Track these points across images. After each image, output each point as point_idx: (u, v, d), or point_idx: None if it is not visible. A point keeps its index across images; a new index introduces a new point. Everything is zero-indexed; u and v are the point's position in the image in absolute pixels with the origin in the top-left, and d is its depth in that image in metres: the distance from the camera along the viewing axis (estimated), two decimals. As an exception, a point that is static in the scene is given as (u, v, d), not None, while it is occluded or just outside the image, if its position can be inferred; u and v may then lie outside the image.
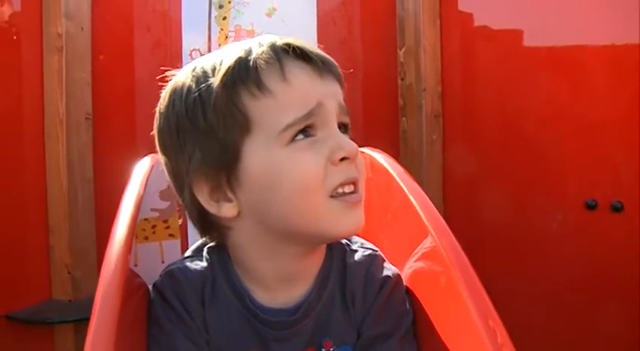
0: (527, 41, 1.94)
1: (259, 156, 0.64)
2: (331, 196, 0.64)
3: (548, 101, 1.88)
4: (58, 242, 1.83)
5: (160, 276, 0.71)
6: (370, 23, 2.23)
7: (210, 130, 0.64)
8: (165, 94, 0.70)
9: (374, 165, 0.88)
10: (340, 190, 0.64)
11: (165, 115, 0.69)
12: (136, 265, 0.77)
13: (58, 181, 1.85)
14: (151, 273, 0.74)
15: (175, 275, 0.70)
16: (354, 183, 0.66)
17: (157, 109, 0.71)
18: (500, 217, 1.96)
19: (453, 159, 2.06)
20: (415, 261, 0.74)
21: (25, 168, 1.85)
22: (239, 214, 0.67)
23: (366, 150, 0.90)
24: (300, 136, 0.64)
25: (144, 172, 0.83)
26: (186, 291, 0.69)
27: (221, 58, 0.66)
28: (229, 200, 0.66)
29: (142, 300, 0.69)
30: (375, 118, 2.13)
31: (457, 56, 2.08)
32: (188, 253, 0.76)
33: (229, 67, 0.64)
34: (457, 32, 2.08)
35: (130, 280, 0.66)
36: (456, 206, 2.01)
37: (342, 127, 0.69)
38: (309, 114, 0.64)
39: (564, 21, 1.85)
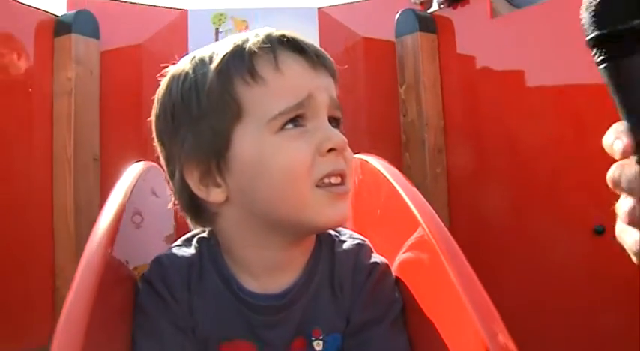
0: (529, 81, 1.95)
1: (249, 143, 0.65)
2: (317, 186, 0.64)
3: (551, 134, 1.88)
4: (65, 284, 1.83)
5: (149, 265, 0.71)
6: (372, 65, 2.29)
7: (203, 115, 0.66)
8: (163, 82, 0.72)
9: (364, 167, 0.89)
10: (327, 181, 0.65)
11: (162, 102, 0.71)
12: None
13: (65, 223, 1.87)
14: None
15: (162, 261, 0.70)
16: (342, 175, 0.66)
17: (155, 95, 0.72)
18: (509, 249, 1.95)
19: (458, 192, 2.07)
20: (405, 252, 0.74)
21: (33, 209, 1.86)
22: (227, 200, 0.68)
23: (358, 156, 0.91)
24: (290, 126, 0.65)
25: (138, 171, 0.83)
26: (172, 276, 0.69)
27: (218, 48, 0.68)
28: (218, 186, 0.67)
29: (130, 291, 0.69)
30: (379, 154, 2.15)
31: (458, 91, 2.10)
32: (178, 242, 0.76)
33: (225, 55, 0.66)
34: (456, 70, 2.12)
35: (115, 272, 0.66)
36: (464, 239, 2.00)
37: (334, 121, 0.70)
38: (300, 104, 0.65)
39: (564, 60, 1.86)
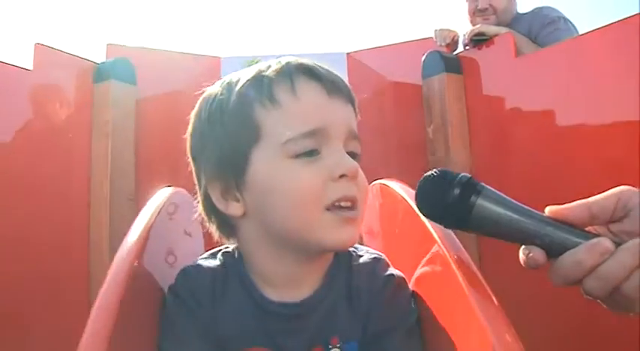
0: (557, 120, 1.95)
1: (264, 164, 0.68)
2: (327, 209, 0.67)
3: (583, 174, 1.86)
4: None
5: (175, 277, 0.74)
6: (400, 107, 2.34)
7: (226, 135, 0.70)
8: (198, 102, 0.77)
9: (384, 190, 0.91)
10: (337, 204, 0.67)
11: (194, 121, 0.76)
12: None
13: (101, 262, 1.91)
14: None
15: (188, 272, 0.73)
16: (352, 201, 0.68)
17: (191, 115, 0.77)
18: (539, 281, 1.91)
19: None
20: (422, 267, 0.75)
21: (70, 248, 1.92)
22: (245, 214, 0.71)
23: (379, 181, 0.93)
24: (304, 155, 0.67)
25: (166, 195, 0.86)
26: (197, 286, 0.72)
27: (244, 73, 0.73)
28: (237, 200, 0.71)
29: (158, 303, 0.72)
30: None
31: (485, 130, 2.12)
32: (204, 255, 0.79)
33: (247, 80, 0.71)
34: (483, 109, 2.14)
35: (143, 283, 0.69)
36: (494, 275, 1.97)
37: (354, 155, 0.72)
38: (312, 133, 0.68)
39: (590, 98, 1.85)
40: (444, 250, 0.68)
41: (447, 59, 2.20)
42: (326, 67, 0.74)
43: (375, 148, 2.17)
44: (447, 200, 0.58)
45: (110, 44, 2.20)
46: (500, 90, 2.09)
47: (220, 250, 0.79)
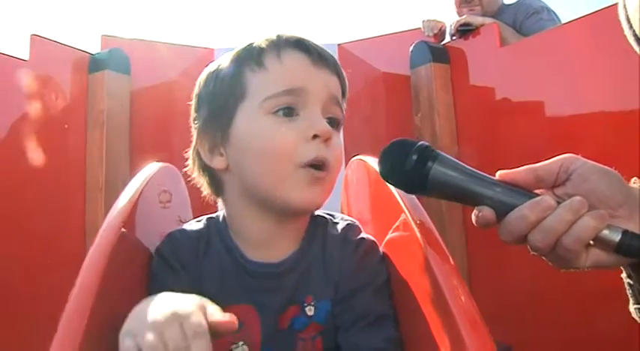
0: (540, 106, 1.98)
1: (245, 120, 0.75)
2: (300, 167, 0.72)
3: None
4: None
5: (162, 239, 0.79)
6: (390, 97, 2.39)
7: (216, 93, 0.78)
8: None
9: (360, 165, 0.97)
10: (308, 164, 0.72)
11: (196, 88, 0.83)
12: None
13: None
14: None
15: (174, 235, 0.79)
16: (323, 162, 0.73)
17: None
18: (526, 276, 1.96)
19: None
20: (392, 233, 0.79)
21: (67, 234, 1.96)
22: (227, 168, 0.78)
23: (357, 157, 0.98)
24: (281, 112, 0.73)
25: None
26: (182, 247, 0.77)
27: (240, 45, 0.79)
28: (221, 155, 0.77)
29: (145, 264, 0.77)
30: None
31: (471, 117, 2.17)
32: (191, 221, 0.85)
33: (241, 49, 0.78)
34: (469, 97, 2.19)
35: (130, 246, 0.72)
36: (481, 267, 2.03)
37: (332, 121, 0.77)
38: (291, 91, 0.74)
39: (573, 85, 1.89)
40: (410, 217, 0.72)
41: (434, 49, 2.25)
42: (319, 44, 0.80)
43: (364, 136, 2.22)
44: (406, 166, 0.62)
45: (105, 35, 2.24)
46: (485, 78, 2.14)
47: (205, 216, 0.84)
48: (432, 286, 0.63)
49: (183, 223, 0.85)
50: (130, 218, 0.71)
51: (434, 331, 0.61)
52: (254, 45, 0.77)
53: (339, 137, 0.79)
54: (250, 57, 0.76)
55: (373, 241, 0.81)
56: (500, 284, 1.98)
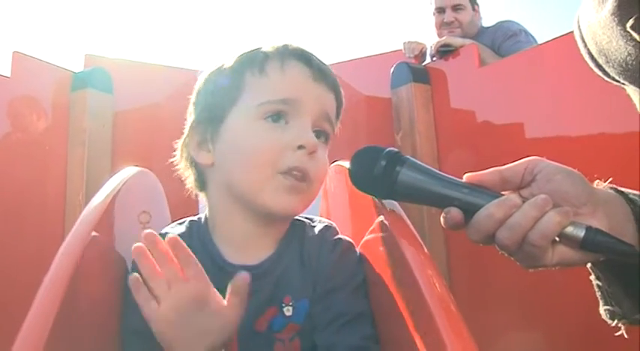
0: (520, 127, 2.00)
1: (235, 121, 0.77)
2: (279, 173, 0.74)
3: None
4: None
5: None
6: (372, 119, 2.41)
7: (213, 93, 0.80)
8: None
9: (338, 170, 0.98)
10: (288, 172, 0.74)
11: (197, 83, 0.84)
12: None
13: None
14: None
15: None
16: (304, 172, 0.74)
17: None
18: (507, 281, 1.95)
19: (454, 235, 2.10)
20: (369, 234, 0.80)
21: (46, 255, 1.90)
22: (213, 164, 0.79)
23: (338, 162, 0.99)
24: (272, 119, 0.75)
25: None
26: None
27: (245, 49, 0.81)
28: (208, 151, 0.79)
29: (121, 272, 0.76)
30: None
31: (452, 137, 2.19)
32: (172, 224, 0.85)
33: (245, 52, 0.80)
34: (450, 117, 2.21)
35: (102, 255, 0.72)
36: (462, 276, 2.03)
37: (322, 134, 0.80)
38: (285, 100, 0.76)
39: (551, 105, 1.92)
40: (388, 217, 0.73)
41: (415, 70, 2.29)
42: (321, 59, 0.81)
43: (346, 154, 2.21)
44: (375, 172, 0.63)
45: (88, 54, 2.24)
46: (465, 98, 2.17)
47: (187, 219, 0.85)
48: (408, 282, 0.63)
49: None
50: (102, 223, 0.71)
51: (411, 328, 0.62)
52: (260, 50, 0.79)
53: (325, 151, 0.81)
54: (254, 61, 0.78)
55: (350, 242, 0.82)
56: (482, 291, 1.97)
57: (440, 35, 2.47)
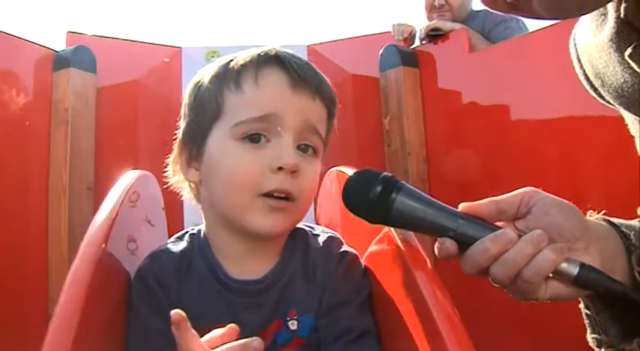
0: (508, 111, 2.00)
1: (216, 141, 0.74)
2: (259, 196, 0.71)
3: (535, 162, 1.92)
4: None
5: (144, 260, 0.77)
6: (359, 99, 2.39)
7: (195, 110, 0.77)
8: None
9: (340, 176, 0.94)
10: (269, 194, 0.71)
11: (184, 96, 0.81)
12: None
13: (60, 251, 1.91)
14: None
15: (156, 256, 0.77)
16: (287, 193, 0.71)
17: None
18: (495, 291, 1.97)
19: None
20: (373, 246, 0.79)
21: (28, 237, 1.91)
22: (201, 182, 0.77)
23: (335, 168, 0.96)
24: (249, 139, 0.72)
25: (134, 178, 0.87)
26: (164, 269, 0.75)
27: (225, 58, 0.78)
28: (196, 169, 0.77)
29: (124, 288, 0.74)
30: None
31: (440, 122, 2.19)
32: (172, 239, 0.83)
33: (221, 65, 0.77)
34: (438, 102, 2.21)
35: (108, 270, 0.70)
36: (448, 269, 2.04)
37: (307, 148, 0.75)
38: (262, 118, 0.71)
39: (540, 91, 1.92)
40: (392, 230, 0.72)
41: (404, 53, 2.27)
42: (304, 60, 0.76)
43: (332, 140, 2.20)
44: (370, 197, 0.62)
45: (70, 32, 2.18)
46: (454, 83, 2.17)
47: (187, 231, 0.82)
48: (415, 299, 0.63)
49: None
50: (104, 239, 0.68)
51: (417, 343, 0.62)
52: (234, 62, 0.75)
53: (314, 165, 0.76)
54: (230, 76, 0.74)
55: (356, 255, 0.80)
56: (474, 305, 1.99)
57: (430, 19, 2.44)
